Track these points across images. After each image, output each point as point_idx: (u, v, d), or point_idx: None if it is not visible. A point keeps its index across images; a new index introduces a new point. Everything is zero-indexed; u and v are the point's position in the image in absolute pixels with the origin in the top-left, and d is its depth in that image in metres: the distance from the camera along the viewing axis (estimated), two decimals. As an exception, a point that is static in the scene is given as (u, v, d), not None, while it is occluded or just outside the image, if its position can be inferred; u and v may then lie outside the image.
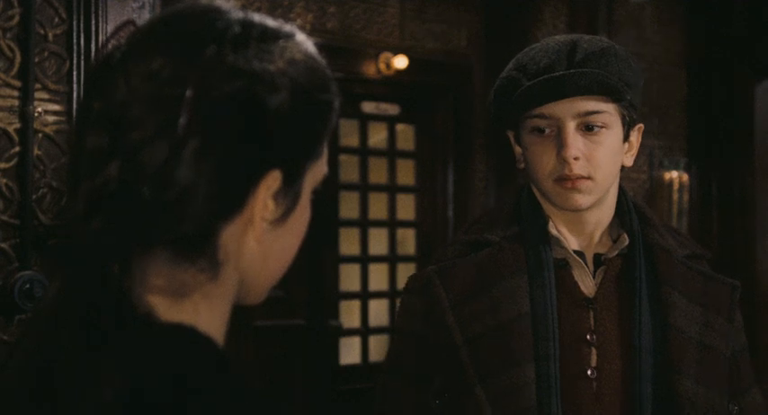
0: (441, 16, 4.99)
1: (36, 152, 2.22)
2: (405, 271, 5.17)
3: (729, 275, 1.69)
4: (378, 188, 5.10)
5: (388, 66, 4.73)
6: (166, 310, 0.79)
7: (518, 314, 1.53)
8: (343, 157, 5.00)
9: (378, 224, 5.11)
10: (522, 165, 1.62)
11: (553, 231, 1.59)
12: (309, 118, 0.85)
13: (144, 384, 0.73)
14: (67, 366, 0.74)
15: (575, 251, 1.59)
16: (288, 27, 0.87)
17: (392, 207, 5.14)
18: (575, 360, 1.53)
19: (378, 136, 5.16)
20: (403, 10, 4.86)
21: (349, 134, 5.01)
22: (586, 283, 1.58)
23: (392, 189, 5.15)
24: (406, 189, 5.18)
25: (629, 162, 1.62)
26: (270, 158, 0.82)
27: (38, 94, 2.23)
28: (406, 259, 5.19)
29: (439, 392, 1.57)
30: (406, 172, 5.18)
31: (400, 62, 4.73)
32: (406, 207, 5.18)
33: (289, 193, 0.85)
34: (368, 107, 5.02)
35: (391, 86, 4.93)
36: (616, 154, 1.56)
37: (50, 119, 2.24)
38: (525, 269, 1.56)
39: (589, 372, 1.53)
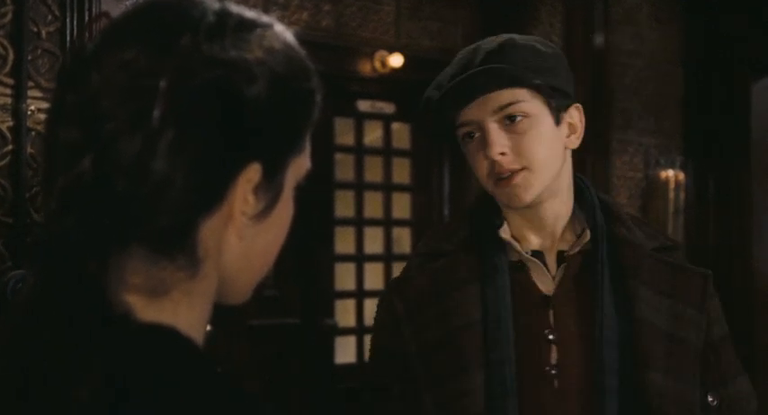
0: (436, 14, 4.97)
1: (29, 150, 2.20)
2: (400, 270, 5.15)
3: (726, 274, 1.68)
4: (373, 186, 5.09)
5: (384, 64, 4.72)
6: (145, 309, 0.77)
7: (468, 322, 1.54)
8: (338, 156, 4.99)
9: (373, 222, 5.09)
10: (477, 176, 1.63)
11: (504, 236, 1.59)
12: (289, 108, 0.83)
13: (124, 385, 0.71)
14: (45, 366, 0.73)
15: (534, 251, 1.59)
16: (266, 17, 0.85)
17: (388, 206, 5.12)
18: (534, 360, 1.53)
19: (373, 135, 5.15)
20: (398, 8, 4.85)
21: (344, 132, 4.99)
22: (545, 282, 1.58)
23: (388, 188, 5.13)
24: (401, 188, 5.17)
25: (573, 144, 1.61)
26: (249, 150, 0.80)
27: (31, 92, 2.22)
28: (402, 258, 5.17)
29: (398, 400, 1.60)
30: (402, 171, 5.17)
31: (396, 60, 4.72)
32: (402, 206, 5.17)
33: (270, 187, 0.83)
34: (363, 105, 5.00)
35: (387, 84, 4.91)
36: (548, 140, 1.55)
37: (43, 117, 2.23)
38: (479, 277, 1.57)
39: (548, 368, 1.52)
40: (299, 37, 0.88)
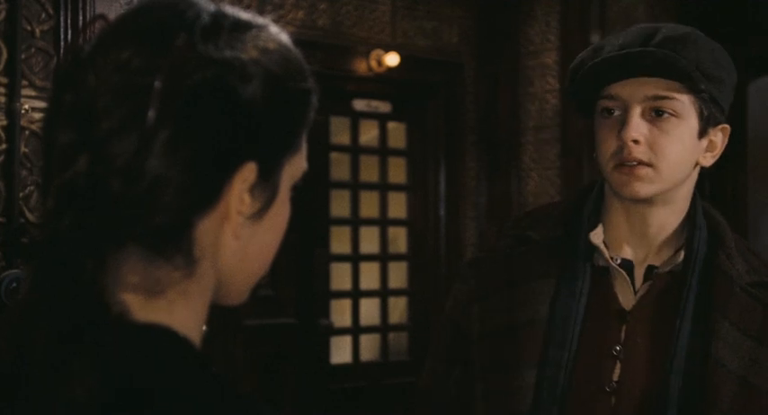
0: (432, 13, 4.97)
1: (23, 149, 2.20)
2: (396, 270, 5.15)
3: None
4: (369, 186, 5.09)
5: (380, 63, 4.71)
6: (140, 308, 0.78)
7: (531, 319, 1.50)
8: (334, 155, 4.98)
9: (369, 222, 5.09)
10: (596, 154, 1.54)
11: (594, 240, 1.51)
12: (284, 108, 0.84)
13: (120, 385, 0.71)
14: (40, 366, 0.72)
15: (624, 260, 1.51)
16: (261, 19, 0.86)
17: (383, 206, 5.12)
18: (595, 372, 1.47)
19: (369, 134, 5.15)
20: (394, 7, 4.84)
21: (340, 132, 4.99)
22: (626, 295, 1.50)
23: (383, 188, 5.13)
24: (397, 188, 5.17)
25: (707, 161, 1.53)
26: (244, 149, 0.80)
27: (24, 91, 2.21)
28: (398, 257, 5.17)
29: (457, 380, 1.58)
30: (398, 170, 5.17)
31: (391, 59, 4.71)
32: (398, 206, 5.17)
33: (266, 187, 0.83)
34: (359, 105, 5.00)
35: (382, 84, 4.91)
36: (686, 147, 1.47)
37: (37, 116, 2.22)
38: (556, 275, 1.51)
39: (607, 385, 1.46)
40: (294, 36, 0.89)
